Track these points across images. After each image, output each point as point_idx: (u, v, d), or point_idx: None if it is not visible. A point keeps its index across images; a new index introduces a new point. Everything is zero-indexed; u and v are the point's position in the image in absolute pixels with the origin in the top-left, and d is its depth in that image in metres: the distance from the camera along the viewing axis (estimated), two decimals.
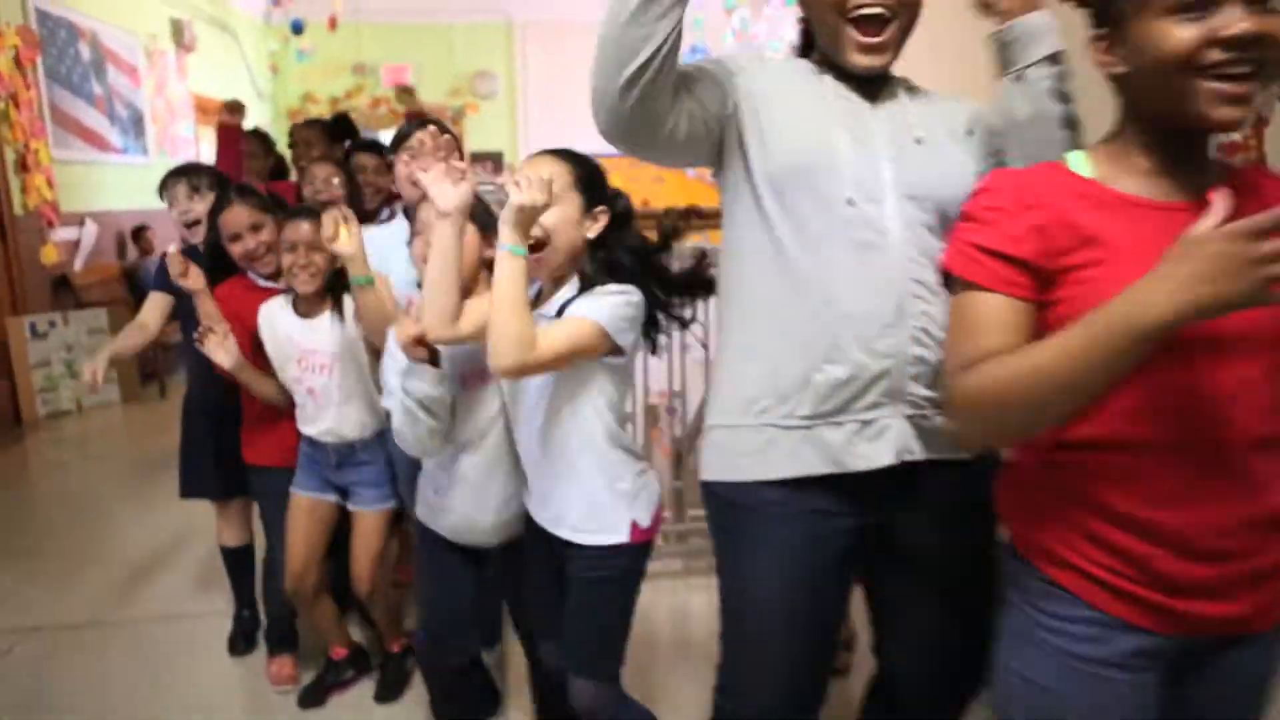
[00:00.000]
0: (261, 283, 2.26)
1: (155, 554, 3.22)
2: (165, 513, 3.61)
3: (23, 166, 5.18)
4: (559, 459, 1.52)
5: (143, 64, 6.81)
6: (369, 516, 2.18)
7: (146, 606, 2.81)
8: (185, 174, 2.35)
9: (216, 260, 2.20)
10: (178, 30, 7.34)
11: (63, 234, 5.55)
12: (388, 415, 1.81)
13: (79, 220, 5.76)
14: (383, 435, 2.12)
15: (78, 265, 5.73)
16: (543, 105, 9.58)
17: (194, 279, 2.10)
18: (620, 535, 1.52)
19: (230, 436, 2.35)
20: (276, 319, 2.15)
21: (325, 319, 2.10)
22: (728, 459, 1.27)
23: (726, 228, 1.30)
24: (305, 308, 2.13)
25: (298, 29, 8.64)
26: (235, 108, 3.26)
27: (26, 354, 5.10)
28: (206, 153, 7.67)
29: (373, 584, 2.19)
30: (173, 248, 2.17)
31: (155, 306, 2.40)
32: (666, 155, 1.23)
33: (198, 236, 2.34)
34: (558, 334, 1.39)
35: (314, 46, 8.89)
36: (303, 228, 2.03)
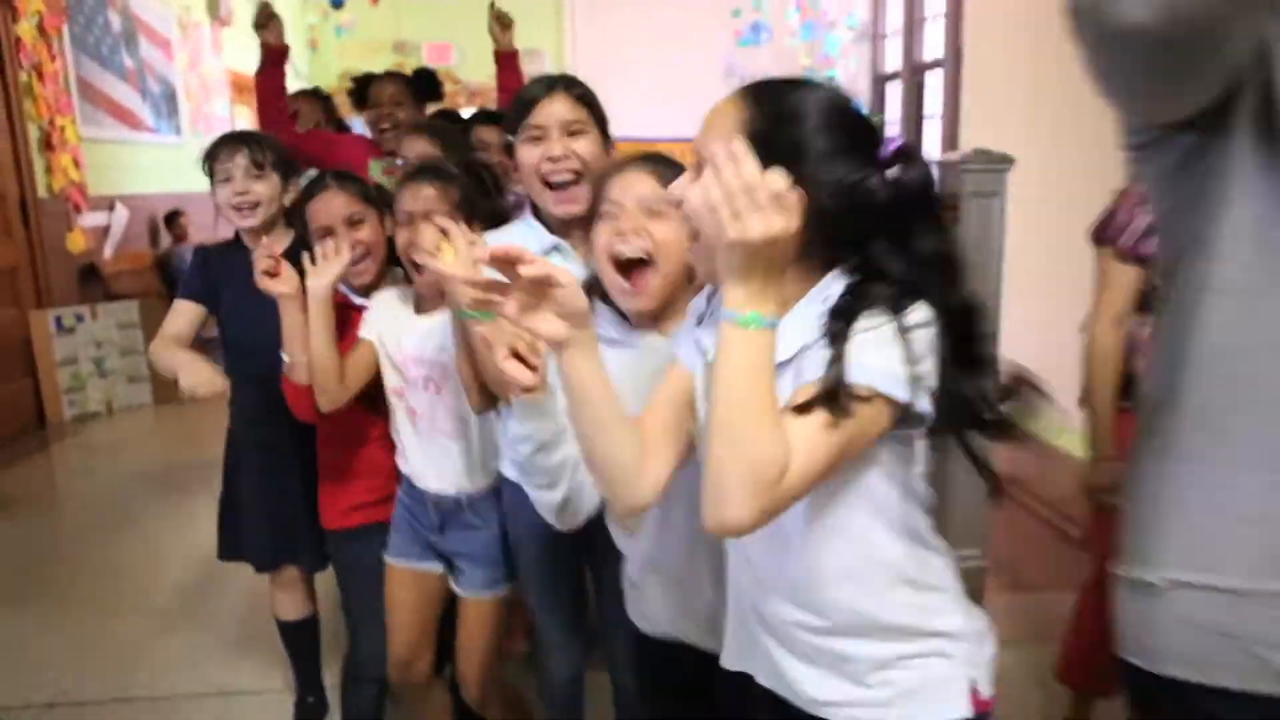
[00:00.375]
0: (356, 299, 1.75)
1: (196, 597, 2.73)
2: (206, 536, 3.13)
3: (47, 145, 4.72)
4: (829, 602, 0.93)
5: (176, 36, 6.34)
6: (477, 604, 1.67)
7: (186, 676, 2.31)
8: (246, 143, 1.80)
9: (297, 263, 1.69)
10: (213, 1, 6.88)
11: (91, 219, 5.09)
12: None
13: (108, 204, 5.29)
14: (499, 494, 1.62)
15: (107, 253, 5.27)
16: (594, 86, 9.03)
17: (286, 282, 1.59)
18: (959, 709, 0.92)
19: (285, 491, 1.87)
20: (388, 310, 1.69)
21: (445, 318, 1.56)
22: (1241, 651, 0.74)
23: (1203, 245, 0.77)
24: (425, 301, 1.64)
25: (337, 3, 8.19)
26: (266, 11, 2.68)
27: (51, 350, 4.65)
28: None
29: (484, 686, 1.69)
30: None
31: (184, 319, 1.85)
32: (1197, 90, 0.72)
33: (250, 220, 1.81)
34: (813, 432, 0.80)
35: (353, 21, 8.44)
36: (424, 193, 1.53)
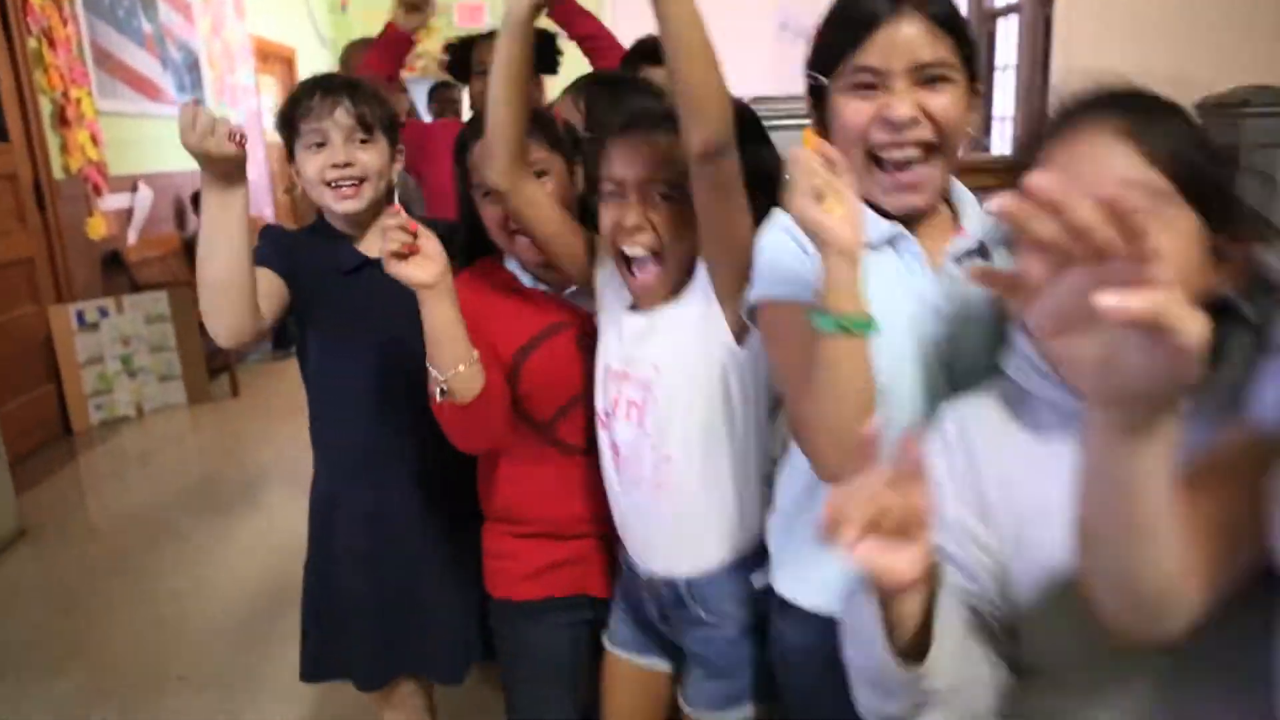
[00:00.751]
0: (525, 278, 1.28)
1: (254, 655, 2.27)
2: (251, 559, 2.73)
3: (62, 120, 4.23)
4: None
5: None
6: None
7: None
8: (349, 94, 1.28)
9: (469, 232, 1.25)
10: None
11: (112, 201, 4.61)
12: None
13: (130, 185, 4.80)
14: (746, 568, 1.15)
15: (131, 239, 4.79)
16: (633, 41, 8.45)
17: (426, 267, 1.08)
18: None
19: (410, 580, 1.38)
20: (603, 288, 1.24)
21: (673, 308, 1.12)
22: None
23: None
24: (644, 296, 1.16)
25: None
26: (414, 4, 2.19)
27: (74, 350, 4.19)
28: (268, 104, 6.69)
29: None
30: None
31: (264, 289, 1.26)
32: None
33: (353, 203, 1.30)
34: None
35: None
36: (640, 151, 1.08)
